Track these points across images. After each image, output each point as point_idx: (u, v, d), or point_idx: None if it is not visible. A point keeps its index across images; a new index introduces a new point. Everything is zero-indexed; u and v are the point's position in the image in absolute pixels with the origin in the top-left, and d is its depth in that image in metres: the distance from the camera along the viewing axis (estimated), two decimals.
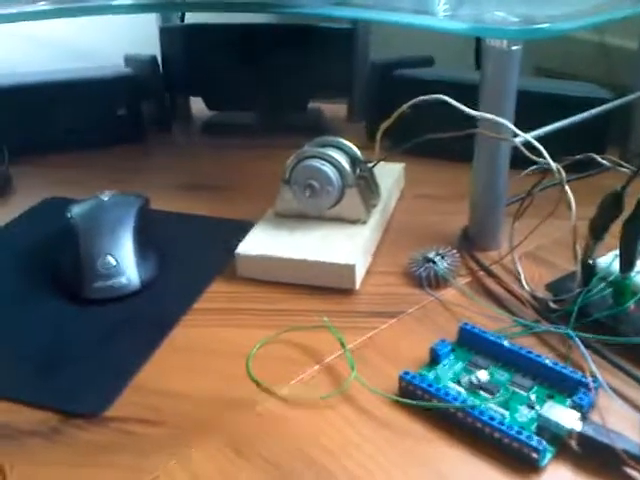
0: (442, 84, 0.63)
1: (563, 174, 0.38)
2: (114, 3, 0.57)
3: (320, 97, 0.75)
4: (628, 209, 0.38)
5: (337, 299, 0.44)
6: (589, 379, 0.33)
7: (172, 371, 0.38)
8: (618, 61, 0.66)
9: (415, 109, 0.45)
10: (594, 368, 0.34)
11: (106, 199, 0.47)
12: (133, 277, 0.44)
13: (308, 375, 0.37)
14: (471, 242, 0.49)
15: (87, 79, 0.69)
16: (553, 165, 0.39)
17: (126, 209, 0.46)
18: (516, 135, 0.43)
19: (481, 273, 0.46)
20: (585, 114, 0.53)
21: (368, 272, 0.47)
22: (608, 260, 0.42)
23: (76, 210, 0.46)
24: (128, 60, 0.74)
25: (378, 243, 0.50)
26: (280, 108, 0.75)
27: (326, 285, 0.44)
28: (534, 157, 0.40)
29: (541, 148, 0.39)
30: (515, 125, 0.44)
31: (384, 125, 0.45)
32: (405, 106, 0.43)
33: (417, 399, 0.34)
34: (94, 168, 0.66)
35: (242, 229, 0.48)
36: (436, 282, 0.45)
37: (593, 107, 0.56)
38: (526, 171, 0.41)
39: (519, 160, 0.43)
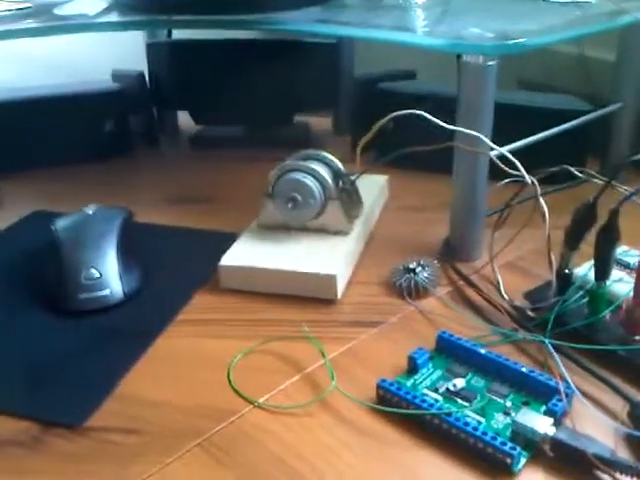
0: (424, 97, 0.64)
1: (537, 186, 0.39)
2: (100, 21, 0.57)
3: (306, 111, 0.76)
4: (602, 219, 0.38)
5: (319, 309, 0.44)
6: (562, 385, 0.34)
7: (154, 381, 0.38)
8: (598, 73, 0.67)
9: (398, 122, 0.46)
10: (566, 374, 0.34)
11: (90, 213, 0.48)
12: (116, 289, 0.44)
13: (289, 385, 0.38)
14: (452, 252, 0.50)
15: (75, 94, 0.69)
16: (527, 178, 0.39)
17: (110, 222, 0.47)
18: (492, 148, 0.44)
19: (461, 283, 0.47)
20: (563, 126, 0.54)
21: (350, 282, 0.47)
22: (584, 270, 0.43)
23: (60, 224, 0.47)
24: (115, 76, 0.74)
25: (360, 254, 0.51)
26: (266, 122, 0.76)
27: (308, 295, 0.45)
28: (510, 170, 0.41)
29: (515, 161, 0.40)
30: (496, 137, 0.45)
31: (364, 139, 0.46)
32: (383, 121, 0.44)
33: (394, 407, 0.35)
34: (82, 182, 0.66)
35: (226, 241, 0.49)
36: (416, 292, 0.45)
37: (573, 119, 0.57)
38: (500, 183, 0.42)
39: (500, 172, 0.44)
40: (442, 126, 0.44)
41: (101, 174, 0.69)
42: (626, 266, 0.45)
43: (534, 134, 0.53)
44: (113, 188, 0.65)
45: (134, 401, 0.37)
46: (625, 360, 0.37)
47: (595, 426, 0.33)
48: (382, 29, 0.50)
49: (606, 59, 0.66)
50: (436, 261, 0.47)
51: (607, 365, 0.37)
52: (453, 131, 0.45)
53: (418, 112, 0.42)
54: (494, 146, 0.43)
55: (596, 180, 0.41)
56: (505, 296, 0.44)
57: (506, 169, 0.40)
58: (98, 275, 0.44)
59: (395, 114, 0.43)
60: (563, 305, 0.40)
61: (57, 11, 0.57)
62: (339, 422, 0.35)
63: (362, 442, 0.34)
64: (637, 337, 0.38)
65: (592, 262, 0.42)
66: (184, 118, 0.79)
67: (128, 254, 0.47)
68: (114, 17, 0.57)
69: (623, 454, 0.32)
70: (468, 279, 0.46)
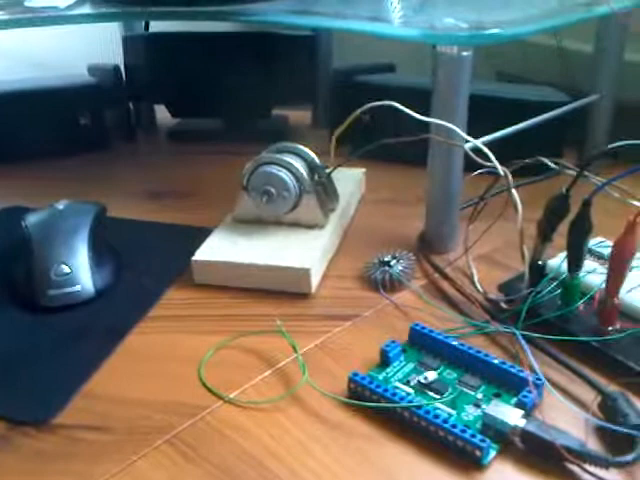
0: (402, 90, 0.64)
1: (510, 177, 0.39)
2: (74, 13, 0.56)
3: (284, 104, 0.76)
4: (574, 210, 0.38)
5: (293, 303, 0.44)
6: (531, 377, 0.34)
7: (123, 378, 0.38)
8: (575, 65, 0.67)
9: (374, 115, 0.46)
10: (536, 365, 0.34)
11: (61, 207, 0.47)
12: (87, 285, 0.44)
13: (260, 380, 0.37)
14: (427, 245, 0.50)
15: (49, 88, 0.69)
16: (500, 169, 0.39)
17: (81, 217, 0.46)
18: (467, 141, 0.44)
19: (436, 276, 0.47)
20: (540, 118, 0.54)
21: (325, 276, 0.47)
22: (558, 261, 0.43)
23: (31, 219, 0.46)
24: (91, 69, 0.74)
25: (336, 248, 0.50)
26: (244, 115, 0.75)
27: (282, 290, 0.45)
28: (483, 162, 0.41)
29: (489, 153, 0.40)
30: (474, 129, 0.45)
31: (337, 131, 0.46)
32: (356, 112, 0.44)
33: (366, 400, 0.35)
34: (56, 177, 0.66)
35: (201, 236, 0.48)
36: (391, 285, 0.45)
37: (550, 110, 0.57)
38: (473, 174, 0.41)
39: (475, 164, 0.44)
40: (417, 118, 0.44)
41: (76, 169, 0.68)
42: (600, 257, 0.45)
43: (512, 126, 0.52)
44: (88, 183, 0.64)
45: (103, 398, 0.36)
46: (598, 351, 0.37)
47: (566, 417, 0.33)
48: (358, 20, 0.50)
49: (583, 50, 0.66)
50: (411, 254, 0.47)
51: (580, 356, 0.37)
52: (428, 123, 0.44)
53: (391, 103, 0.42)
54: (468, 138, 0.43)
55: (571, 171, 0.41)
56: (479, 288, 0.44)
57: (480, 161, 0.40)
58: (68, 271, 0.44)
59: (369, 105, 0.43)
60: (536, 297, 0.40)
61: (27, 3, 0.56)
62: (310, 417, 0.35)
63: (333, 437, 0.33)
64: (610, 328, 0.38)
65: (565, 253, 0.42)
66: (161, 112, 0.79)
67: (100, 249, 0.46)
68: (87, 9, 0.56)
69: (594, 445, 0.32)
70: (442, 272, 0.46)
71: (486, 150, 0.40)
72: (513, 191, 0.38)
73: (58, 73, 0.72)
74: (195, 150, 0.72)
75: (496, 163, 0.39)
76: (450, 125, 0.42)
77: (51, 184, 0.64)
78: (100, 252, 0.46)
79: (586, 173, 0.38)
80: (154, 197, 0.61)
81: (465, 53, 0.44)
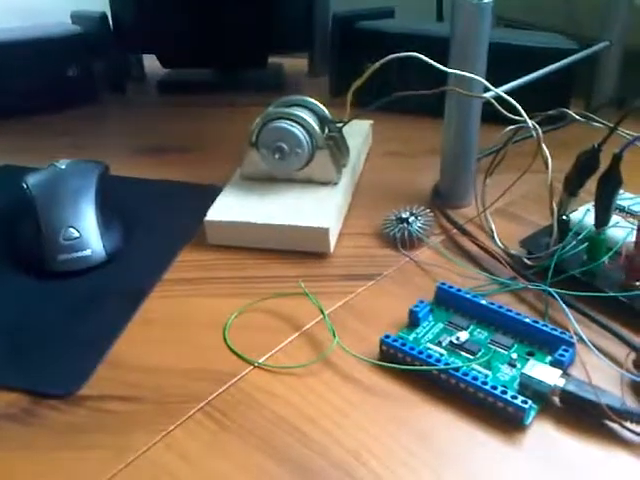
0: (406, 36, 0.62)
1: (539, 131, 0.38)
2: None
3: (280, 52, 0.73)
4: (603, 165, 0.38)
5: (312, 263, 0.43)
6: (572, 336, 0.33)
7: (147, 345, 0.37)
8: (580, 10, 0.65)
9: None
10: (576, 325, 0.34)
11: (63, 167, 0.45)
12: (98, 248, 0.42)
13: (288, 343, 0.37)
14: (442, 199, 0.49)
15: (33, 39, 0.65)
16: (530, 122, 0.38)
17: (85, 177, 0.44)
18: (487, 90, 0.42)
19: (454, 231, 0.46)
20: (556, 65, 0.53)
21: (341, 234, 0.46)
22: (580, 215, 0.42)
23: (32, 180, 0.44)
24: (75, 17, 0.69)
25: (349, 204, 0.49)
26: (238, 64, 0.72)
27: (300, 249, 0.44)
28: (508, 113, 0.40)
29: (517, 105, 0.38)
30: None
31: (356, 84, 0.44)
32: (377, 64, 0.42)
33: (399, 362, 0.34)
34: (46, 133, 0.63)
35: (209, 193, 0.47)
36: (410, 242, 0.44)
37: (559, 58, 0.56)
38: (506, 130, 0.40)
39: (488, 114, 0.42)
40: (428, 67, 0.42)
41: (66, 124, 0.65)
42: (621, 210, 0.44)
43: (518, 73, 0.51)
44: (79, 138, 0.62)
45: (129, 367, 0.35)
46: (626, 306, 0.37)
47: (600, 375, 0.33)
48: None
49: None
50: (428, 210, 0.46)
51: (608, 312, 0.37)
52: (438, 72, 0.42)
53: (415, 54, 0.40)
54: (491, 87, 0.41)
55: (594, 124, 0.40)
56: (499, 244, 0.43)
57: (505, 113, 0.39)
58: (77, 234, 0.42)
59: (391, 57, 0.41)
60: (561, 252, 0.40)
61: None
62: (343, 380, 0.34)
63: (368, 400, 0.33)
64: (638, 283, 0.38)
65: (587, 207, 0.42)
66: (148, 61, 0.75)
67: (107, 211, 0.44)
68: None
69: (630, 402, 0.32)
70: (462, 227, 0.45)
71: (515, 103, 0.38)
72: (543, 145, 0.37)
73: (40, 22, 0.68)
74: (188, 102, 0.69)
75: (525, 116, 0.38)
76: (474, 75, 0.41)
77: (40, 141, 0.61)
78: (108, 214, 0.44)
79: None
80: (152, 152, 0.59)
81: (486, 0, 0.42)
